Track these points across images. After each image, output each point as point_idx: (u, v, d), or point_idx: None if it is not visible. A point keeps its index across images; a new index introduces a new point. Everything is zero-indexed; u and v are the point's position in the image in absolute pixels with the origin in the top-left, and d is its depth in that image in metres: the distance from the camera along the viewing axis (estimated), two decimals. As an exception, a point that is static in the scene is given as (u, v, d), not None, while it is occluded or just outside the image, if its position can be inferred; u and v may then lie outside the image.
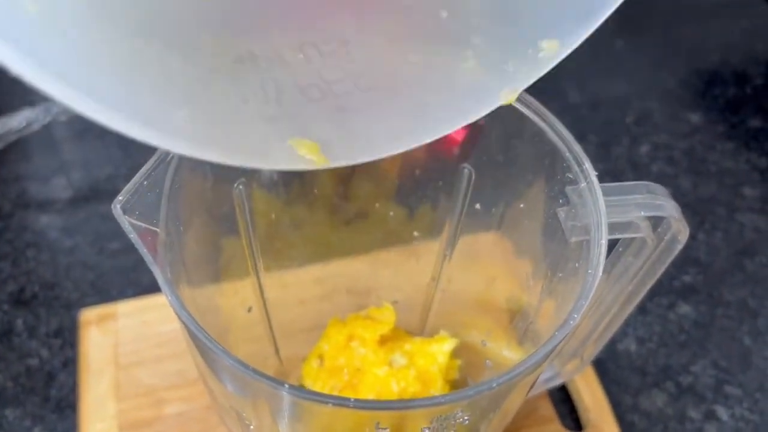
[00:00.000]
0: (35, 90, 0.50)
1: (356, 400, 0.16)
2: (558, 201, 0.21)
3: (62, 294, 0.42)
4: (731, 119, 0.53)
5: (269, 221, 0.26)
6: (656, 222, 0.21)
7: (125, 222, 0.18)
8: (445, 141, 0.26)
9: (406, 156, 0.25)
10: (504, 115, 0.22)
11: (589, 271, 0.18)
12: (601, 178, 0.52)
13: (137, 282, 0.42)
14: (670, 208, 0.20)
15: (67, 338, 0.40)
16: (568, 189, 0.21)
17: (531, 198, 0.23)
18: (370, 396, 0.27)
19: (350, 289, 0.34)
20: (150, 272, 0.44)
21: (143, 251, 0.18)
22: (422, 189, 0.26)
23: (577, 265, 0.20)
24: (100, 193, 0.47)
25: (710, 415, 0.38)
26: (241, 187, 0.23)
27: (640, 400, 0.39)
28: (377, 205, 0.27)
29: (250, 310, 0.27)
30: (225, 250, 0.25)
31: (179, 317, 0.17)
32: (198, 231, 0.22)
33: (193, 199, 0.21)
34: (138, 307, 0.39)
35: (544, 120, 0.22)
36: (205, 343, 0.17)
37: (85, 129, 0.50)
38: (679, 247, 0.22)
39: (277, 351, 0.29)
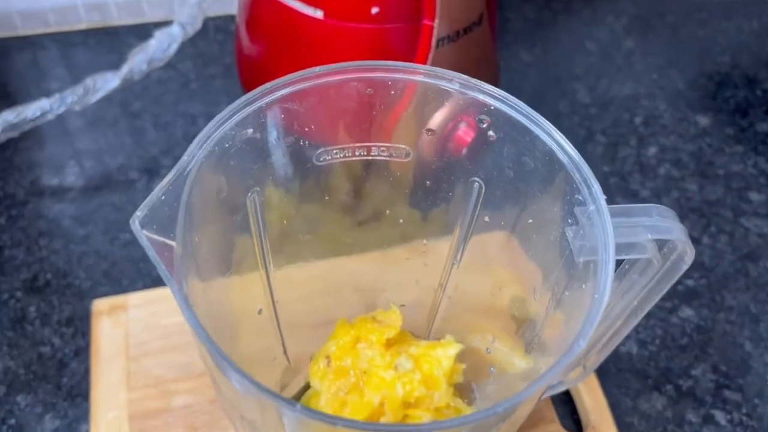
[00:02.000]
0: (50, 80, 0.51)
1: (365, 422, 0.17)
2: (567, 220, 0.22)
3: (75, 282, 0.42)
4: (740, 122, 0.54)
5: (281, 221, 0.27)
6: (662, 242, 0.21)
7: (143, 238, 0.18)
8: (454, 143, 0.26)
9: (419, 163, 0.26)
10: (515, 132, 0.22)
11: (596, 296, 0.19)
12: (608, 179, 0.52)
13: (148, 273, 0.43)
14: (677, 232, 0.21)
15: (79, 327, 0.40)
16: (577, 210, 0.21)
17: (540, 215, 0.24)
18: (376, 398, 0.27)
19: (358, 288, 0.35)
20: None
21: (161, 268, 0.18)
22: (433, 198, 0.27)
23: (584, 286, 0.21)
24: (112, 183, 0.47)
25: (709, 420, 0.39)
26: (254, 196, 0.23)
27: (639, 403, 0.39)
28: (388, 210, 0.27)
29: (260, 312, 0.28)
30: (237, 249, 0.25)
31: (195, 333, 0.18)
32: (211, 235, 0.22)
33: (207, 208, 0.21)
34: (148, 298, 0.40)
35: (554, 140, 0.22)
36: (222, 363, 0.18)
37: (97, 118, 0.50)
38: (685, 267, 0.22)
39: (285, 350, 0.30)
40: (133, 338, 0.38)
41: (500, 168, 0.24)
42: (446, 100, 0.23)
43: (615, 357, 0.41)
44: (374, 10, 0.35)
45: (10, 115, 0.45)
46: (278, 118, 0.22)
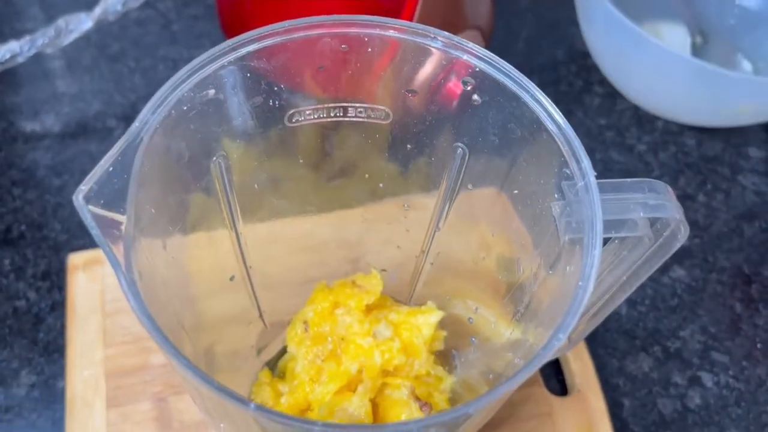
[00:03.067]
0: (25, 19, 0.48)
1: (324, 423, 0.16)
2: (553, 195, 0.20)
3: (50, 235, 0.41)
4: (744, 74, 0.52)
5: (252, 184, 0.25)
6: (655, 218, 0.20)
7: (87, 215, 0.17)
8: (443, 96, 0.24)
9: (399, 126, 0.24)
10: (501, 97, 0.20)
11: (580, 283, 0.18)
12: (604, 133, 0.50)
13: (126, 225, 0.42)
14: (671, 210, 0.19)
15: (55, 281, 0.39)
16: (564, 184, 0.20)
17: (526, 186, 0.22)
18: (354, 366, 0.27)
19: (341, 245, 0.34)
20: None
21: (106, 250, 0.17)
22: (414, 162, 0.25)
23: (568, 268, 0.19)
24: (89, 131, 0.45)
25: (695, 381, 0.38)
26: (219, 160, 0.22)
27: (626, 364, 0.39)
28: (367, 175, 0.26)
29: (232, 278, 0.26)
30: (198, 211, 0.24)
31: (142, 322, 0.17)
32: (169, 203, 0.21)
33: (165, 177, 0.20)
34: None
35: (543, 108, 0.21)
36: (170, 351, 0.17)
37: (74, 61, 0.48)
38: (678, 245, 0.21)
39: (260, 313, 0.29)
40: (109, 294, 0.37)
41: (485, 134, 0.23)
42: (428, 60, 0.21)
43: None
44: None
45: (-22, 58, 0.43)
46: (244, 78, 0.21)
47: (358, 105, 0.23)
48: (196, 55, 0.51)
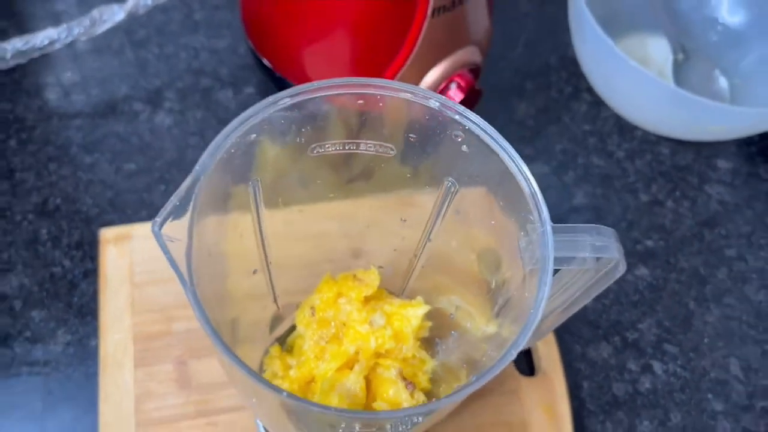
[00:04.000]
0: (56, 1, 0.53)
1: (336, 409, 0.21)
2: (521, 230, 0.25)
3: (82, 209, 0.46)
4: (721, 89, 0.56)
5: (275, 176, 0.29)
6: (600, 256, 0.25)
7: (162, 241, 0.21)
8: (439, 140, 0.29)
9: (401, 160, 0.29)
10: (484, 151, 0.25)
11: (532, 311, 0.23)
12: (588, 139, 0.55)
13: (151, 203, 0.46)
14: (614, 251, 0.24)
15: (87, 251, 0.44)
16: (529, 226, 0.25)
17: (501, 218, 0.27)
18: (352, 348, 0.32)
19: (346, 234, 0.38)
20: (161, 195, 0.48)
21: (178, 272, 0.21)
22: (413, 185, 0.30)
23: (527, 294, 0.24)
24: (117, 112, 0.50)
25: (647, 369, 0.44)
26: (253, 184, 0.26)
27: (588, 351, 0.44)
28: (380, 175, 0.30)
29: (255, 272, 0.31)
30: (236, 220, 0.29)
31: (204, 328, 0.22)
32: (213, 219, 0.26)
33: (212, 200, 0.24)
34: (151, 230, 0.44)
35: (517, 167, 0.25)
36: (222, 348, 0.21)
37: (103, 45, 0.52)
38: (618, 276, 0.26)
39: (275, 299, 0.34)
40: (137, 267, 0.42)
41: (471, 175, 0.27)
42: (427, 115, 0.26)
43: (571, 309, 0.45)
44: (376, -20, 0.36)
45: (19, 43, 0.47)
46: (279, 124, 0.25)
47: (368, 142, 0.27)
48: (217, 45, 0.55)
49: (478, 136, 0.25)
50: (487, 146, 0.25)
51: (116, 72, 0.51)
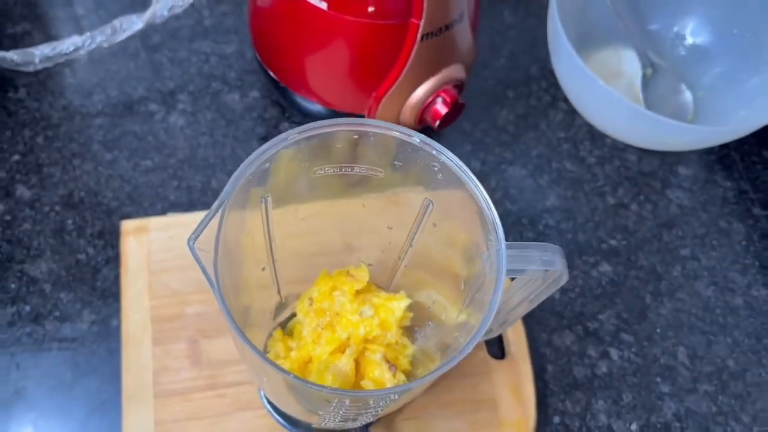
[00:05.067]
0: (76, 4, 0.60)
1: (331, 388, 0.26)
2: (484, 245, 0.30)
3: (104, 202, 0.51)
4: (686, 100, 0.61)
5: (282, 191, 0.35)
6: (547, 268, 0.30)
7: (197, 254, 0.26)
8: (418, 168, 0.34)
9: (388, 182, 0.34)
10: (454, 181, 0.31)
11: (486, 314, 0.28)
12: (562, 145, 0.60)
13: (165, 197, 0.51)
14: (558, 264, 0.30)
15: (108, 240, 0.49)
16: (489, 243, 0.30)
17: (470, 232, 0.32)
18: (344, 334, 0.37)
19: (341, 229, 0.44)
20: (175, 190, 0.54)
21: (210, 280, 0.27)
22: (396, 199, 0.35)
23: (485, 297, 0.29)
24: (134, 113, 0.54)
25: (605, 355, 0.50)
26: (265, 199, 0.32)
27: (553, 338, 0.50)
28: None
29: (263, 269, 0.37)
30: (250, 229, 0.34)
31: (226, 318, 0.27)
32: (232, 230, 0.31)
33: (233, 217, 0.29)
34: (166, 223, 0.49)
35: (481, 195, 0.30)
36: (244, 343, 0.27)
37: (120, 49, 0.57)
38: (562, 284, 0.31)
39: (279, 291, 0.39)
40: (154, 256, 0.47)
41: (445, 196, 0.33)
42: (409, 148, 0.31)
43: (540, 300, 0.51)
44: (370, 8, 0.41)
45: (46, 49, 0.52)
46: (288, 153, 0.30)
47: (361, 166, 0.32)
48: (225, 51, 0.60)
49: (450, 168, 0.31)
50: (458, 177, 0.31)
51: (133, 75, 0.56)
